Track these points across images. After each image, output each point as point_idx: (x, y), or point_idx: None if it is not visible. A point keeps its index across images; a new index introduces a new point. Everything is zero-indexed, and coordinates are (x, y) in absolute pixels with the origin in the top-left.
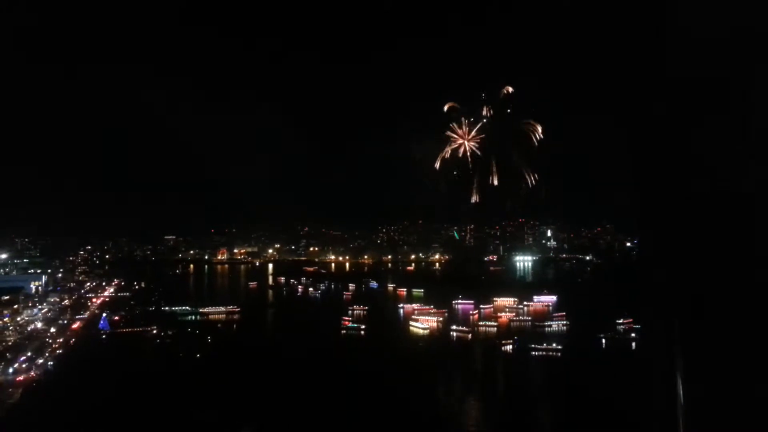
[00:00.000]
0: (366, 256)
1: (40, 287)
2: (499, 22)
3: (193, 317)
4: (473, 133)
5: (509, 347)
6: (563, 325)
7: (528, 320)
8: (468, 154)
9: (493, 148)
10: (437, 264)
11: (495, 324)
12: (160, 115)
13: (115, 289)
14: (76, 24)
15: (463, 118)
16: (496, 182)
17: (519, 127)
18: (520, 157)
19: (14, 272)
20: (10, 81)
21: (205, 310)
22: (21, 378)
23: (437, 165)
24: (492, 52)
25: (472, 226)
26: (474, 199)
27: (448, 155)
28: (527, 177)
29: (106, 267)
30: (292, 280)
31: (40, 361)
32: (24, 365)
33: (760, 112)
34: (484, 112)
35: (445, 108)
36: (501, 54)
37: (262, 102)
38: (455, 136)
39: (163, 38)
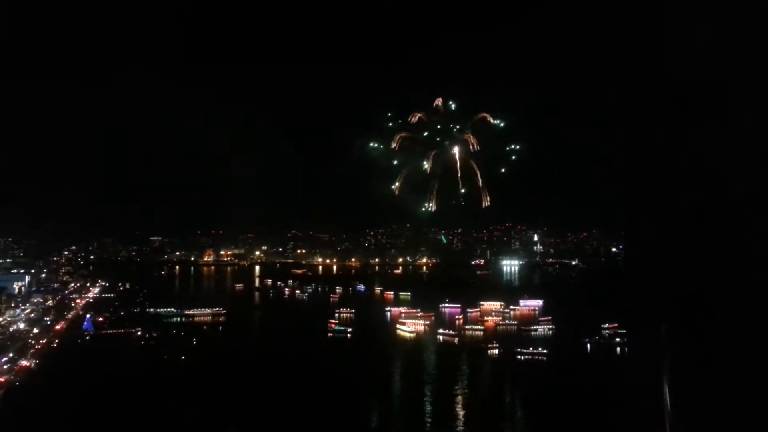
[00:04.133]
0: (353, 259)
1: (23, 287)
2: (493, 22)
3: (179, 319)
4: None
5: (495, 351)
6: (549, 329)
7: (514, 324)
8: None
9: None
10: (425, 267)
11: (481, 328)
12: (148, 117)
13: (99, 290)
14: (66, 24)
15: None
16: (488, 197)
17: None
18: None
19: None
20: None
21: (191, 311)
22: (2, 379)
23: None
24: (484, 53)
25: (460, 230)
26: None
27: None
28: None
29: (91, 268)
30: (279, 283)
31: (23, 362)
32: (5, 366)
33: (756, 113)
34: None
35: (415, 118)
36: (494, 55)
37: (251, 104)
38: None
39: (153, 38)
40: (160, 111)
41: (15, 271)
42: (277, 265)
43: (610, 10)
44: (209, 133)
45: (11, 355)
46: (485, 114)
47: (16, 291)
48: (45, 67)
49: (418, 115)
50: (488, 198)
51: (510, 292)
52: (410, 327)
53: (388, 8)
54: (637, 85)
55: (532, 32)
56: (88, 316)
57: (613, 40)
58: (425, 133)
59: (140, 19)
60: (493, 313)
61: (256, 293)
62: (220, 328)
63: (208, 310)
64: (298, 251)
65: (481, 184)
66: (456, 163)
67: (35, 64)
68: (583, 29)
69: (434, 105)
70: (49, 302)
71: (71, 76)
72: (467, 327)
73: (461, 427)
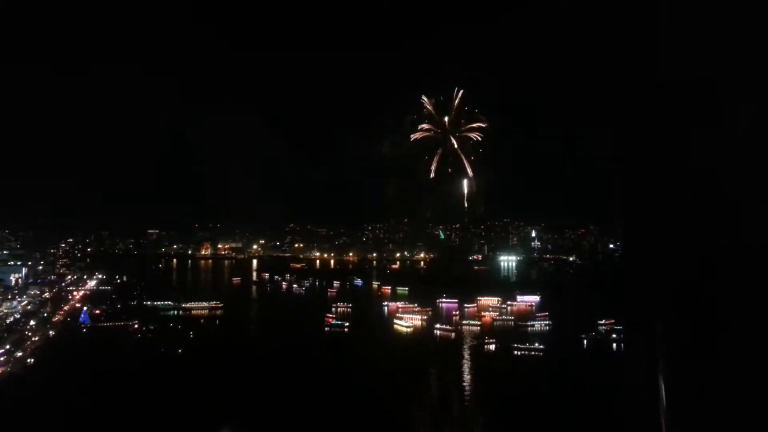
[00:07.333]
0: (351, 254)
1: (20, 279)
2: (487, 20)
3: (176, 312)
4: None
5: (492, 346)
6: (546, 325)
7: (511, 320)
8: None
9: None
10: (422, 263)
11: (478, 323)
12: (146, 111)
13: (96, 283)
14: (59, 18)
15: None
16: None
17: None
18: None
19: None
20: None
21: (188, 305)
22: None
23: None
24: (478, 51)
25: (458, 226)
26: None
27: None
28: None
29: (88, 260)
30: (276, 277)
31: (19, 354)
32: (2, 358)
33: (753, 114)
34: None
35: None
36: (487, 52)
37: (249, 99)
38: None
39: (145, 35)
40: (159, 105)
41: (12, 263)
42: (272, 256)
43: (609, 7)
44: (207, 126)
45: (8, 347)
46: (480, 115)
47: (13, 283)
48: (42, 61)
49: (413, 116)
50: (483, 209)
51: (507, 288)
52: (407, 322)
53: (387, 6)
54: (635, 81)
55: (529, 29)
56: (85, 308)
57: (610, 36)
58: (416, 136)
59: (135, 15)
60: (490, 309)
61: (254, 287)
62: (218, 321)
63: (205, 304)
64: (296, 245)
65: (474, 190)
66: (445, 158)
67: (33, 57)
68: (581, 26)
69: (424, 106)
70: (46, 294)
71: (69, 71)
72: (464, 322)
73: (457, 424)
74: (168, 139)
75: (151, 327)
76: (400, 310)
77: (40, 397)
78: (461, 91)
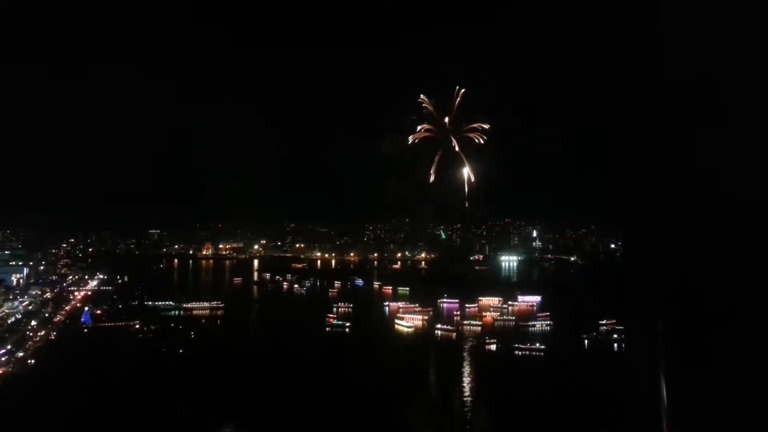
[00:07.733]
0: (352, 254)
1: (21, 280)
2: (487, 20)
3: (177, 312)
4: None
5: (493, 346)
6: (547, 325)
7: (512, 320)
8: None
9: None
10: (423, 263)
11: (479, 323)
12: (146, 111)
13: (97, 283)
14: (58, 18)
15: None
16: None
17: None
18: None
19: None
20: None
21: (189, 305)
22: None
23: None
24: (478, 49)
25: (459, 226)
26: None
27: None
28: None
29: (89, 260)
30: (277, 277)
31: (20, 354)
32: (3, 358)
33: (753, 114)
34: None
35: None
36: (488, 50)
37: (249, 98)
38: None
39: (145, 35)
40: (159, 105)
41: (13, 263)
42: (273, 256)
43: (609, 8)
44: (207, 126)
45: (9, 347)
46: (481, 115)
47: (15, 283)
48: (42, 61)
49: (413, 116)
50: (484, 209)
51: (508, 288)
52: (408, 322)
53: (387, 6)
54: (635, 81)
55: (529, 29)
56: (86, 308)
57: (610, 37)
58: (417, 136)
59: (135, 14)
60: (491, 309)
61: (255, 287)
62: (219, 321)
63: (206, 304)
64: (297, 245)
65: (475, 190)
66: (446, 158)
67: (33, 57)
68: (582, 26)
69: (425, 105)
70: (48, 294)
71: (69, 71)
72: (465, 322)
73: (457, 424)
74: (168, 139)
75: (152, 327)
76: (401, 310)
77: (41, 397)
78: (462, 90)
